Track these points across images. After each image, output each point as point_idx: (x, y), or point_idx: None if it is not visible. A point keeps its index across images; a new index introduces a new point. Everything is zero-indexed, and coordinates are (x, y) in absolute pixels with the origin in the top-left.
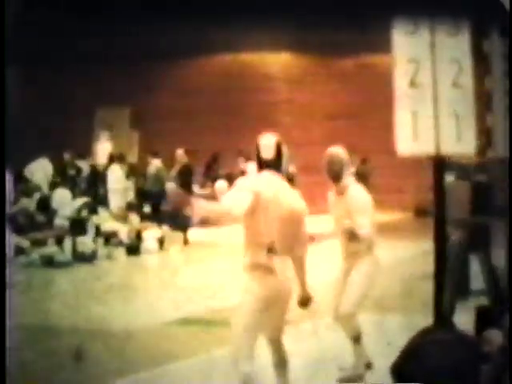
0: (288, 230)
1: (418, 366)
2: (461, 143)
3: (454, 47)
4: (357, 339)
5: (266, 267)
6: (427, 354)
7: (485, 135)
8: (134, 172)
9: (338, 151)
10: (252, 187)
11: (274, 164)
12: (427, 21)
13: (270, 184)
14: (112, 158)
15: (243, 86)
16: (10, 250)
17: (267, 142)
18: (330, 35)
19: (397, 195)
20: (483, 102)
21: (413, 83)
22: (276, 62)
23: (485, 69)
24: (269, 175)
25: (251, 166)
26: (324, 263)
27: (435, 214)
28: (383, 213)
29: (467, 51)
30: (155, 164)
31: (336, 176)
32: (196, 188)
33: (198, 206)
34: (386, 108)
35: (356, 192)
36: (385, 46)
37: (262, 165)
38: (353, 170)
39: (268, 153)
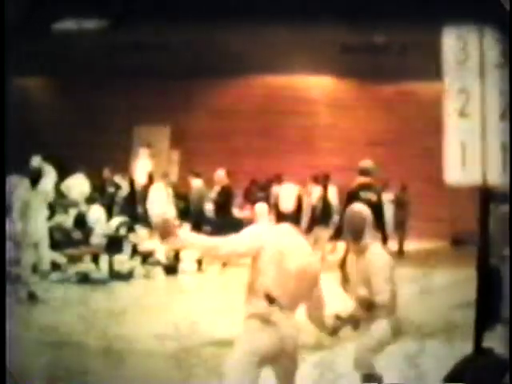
0: (299, 288)
1: None
2: (507, 174)
3: (503, 79)
4: (368, 378)
5: (266, 319)
6: (471, 380)
7: None
8: (175, 192)
9: (361, 209)
10: (261, 234)
11: (293, 217)
12: (477, 50)
13: (283, 236)
14: (151, 177)
15: (283, 109)
16: (45, 265)
17: (288, 194)
18: (371, 60)
19: (434, 223)
20: None
21: (462, 113)
22: (317, 86)
23: None
24: (285, 228)
25: (260, 207)
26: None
27: (479, 243)
28: (420, 241)
29: None
30: (197, 184)
31: (357, 235)
32: (235, 210)
33: (184, 238)
34: (425, 136)
35: (376, 252)
36: (425, 73)
37: (280, 216)
38: (392, 197)
39: (288, 205)
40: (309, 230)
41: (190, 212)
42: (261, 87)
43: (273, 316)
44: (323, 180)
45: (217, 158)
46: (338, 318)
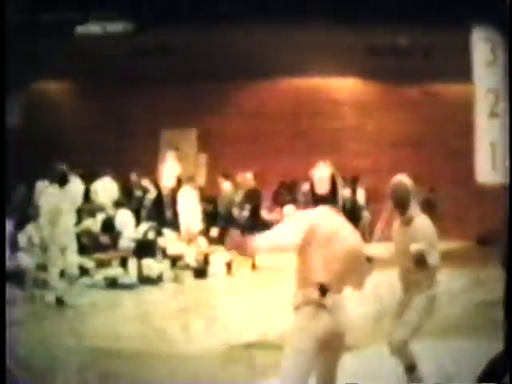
0: (345, 268)
1: None
2: None
3: None
4: (411, 369)
5: (319, 304)
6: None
7: None
8: (203, 195)
9: (403, 180)
10: (308, 220)
11: (330, 198)
12: (504, 50)
13: (327, 220)
14: (179, 180)
15: (310, 111)
16: (72, 270)
17: (321, 175)
18: (397, 61)
19: (460, 224)
20: None
21: (492, 113)
22: (344, 88)
23: None
24: (325, 210)
25: (289, 209)
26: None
27: (508, 242)
28: (446, 241)
29: None
30: (226, 187)
31: (402, 205)
32: (264, 213)
33: (255, 248)
34: (452, 137)
35: (422, 223)
36: (450, 75)
37: (317, 200)
38: (420, 199)
39: (323, 187)
40: None
41: (218, 215)
42: (288, 89)
43: (326, 301)
44: (352, 182)
45: (245, 160)
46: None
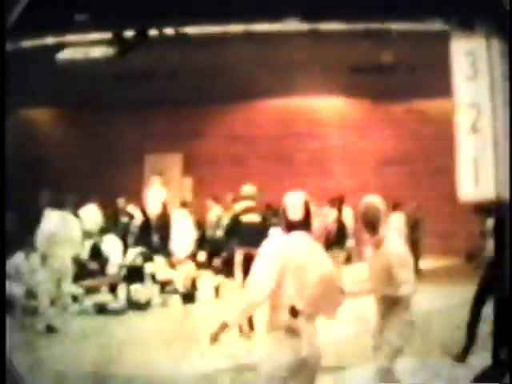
0: (318, 294)
1: None
2: None
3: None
4: None
5: (290, 329)
6: None
7: None
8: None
9: (374, 200)
10: (279, 258)
11: (303, 224)
12: (486, 64)
13: (299, 248)
14: (165, 205)
15: (295, 132)
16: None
17: (295, 201)
18: (381, 80)
19: (447, 241)
20: None
21: (473, 129)
22: (328, 107)
23: None
24: (298, 237)
25: (275, 232)
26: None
27: (494, 258)
28: (433, 258)
29: None
30: (215, 210)
31: (372, 227)
32: None
33: (232, 323)
34: (438, 153)
35: (394, 244)
36: (435, 91)
37: (290, 226)
38: (404, 216)
39: (296, 213)
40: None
41: (206, 239)
42: (271, 111)
43: (297, 326)
44: (338, 202)
45: (230, 183)
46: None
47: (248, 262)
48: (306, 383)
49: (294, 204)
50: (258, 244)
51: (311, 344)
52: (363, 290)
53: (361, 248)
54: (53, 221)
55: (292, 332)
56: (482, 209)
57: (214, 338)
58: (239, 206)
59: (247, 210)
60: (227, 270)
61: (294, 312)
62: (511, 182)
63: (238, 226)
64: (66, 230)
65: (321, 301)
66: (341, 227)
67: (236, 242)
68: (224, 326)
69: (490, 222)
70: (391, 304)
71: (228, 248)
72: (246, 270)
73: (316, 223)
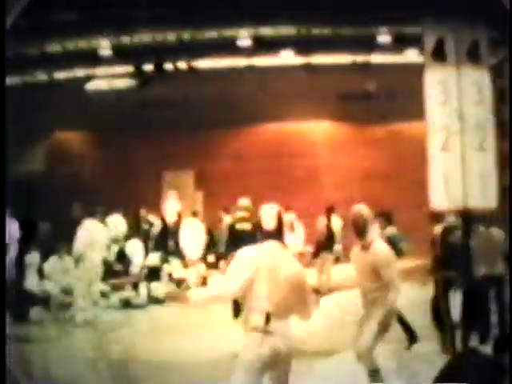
0: (289, 297)
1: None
2: (484, 199)
3: (479, 115)
4: (374, 373)
5: (263, 330)
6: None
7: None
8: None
9: (361, 209)
10: (250, 262)
11: (276, 234)
12: (456, 90)
13: (271, 254)
14: (180, 215)
15: (290, 151)
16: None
17: (268, 213)
18: (364, 105)
19: (424, 244)
20: (503, 163)
21: (444, 148)
22: (318, 130)
23: (503, 132)
24: (270, 245)
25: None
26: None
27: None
28: (411, 259)
29: (491, 118)
30: (226, 220)
31: (360, 232)
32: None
33: (194, 301)
34: (415, 169)
35: (380, 247)
36: (412, 114)
37: (264, 235)
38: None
39: (270, 223)
40: (316, 254)
41: (215, 244)
42: (270, 134)
43: (270, 327)
44: (327, 211)
45: (235, 196)
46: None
47: None
48: (281, 372)
49: (267, 215)
50: None
51: (284, 339)
52: (349, 284)
53: (348, 251)
54: (88, 228)
55: (265, 332)
56: (434, 217)
57: (169, 297)
58: (235, 216)
59: (241, 220)
60: None
61: (268, 317)
62: (511, 193)
63: (233, 233)
64: (96, 236)
65: (293, 303)
66: (330, 233)
67: (233, 247)
68: (182, 298)
69: (439, 228)
70: (374, 297)
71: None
72: None
73: (295, 232)
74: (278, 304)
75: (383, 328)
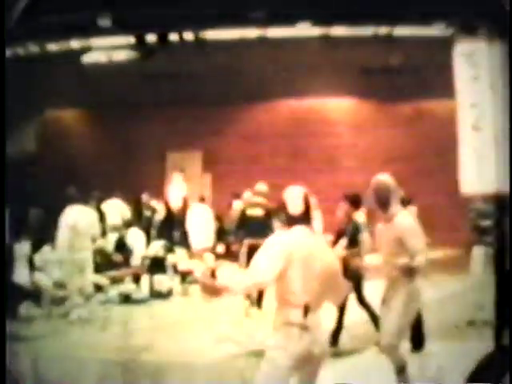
0: (324, 286)
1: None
2: None
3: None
4: (401, 370)
5: (301, 325)
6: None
7: None
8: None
9: (384, 178)
10: (283, 248)
11: (304, 218)
12: (487, 65)
13: (303, 241)
14: (186, 200)
15: (307, 131)
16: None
17: (294, 196)
18: (389, 81)
19: (453, 233)
20: None
21: (475, 127)
22: (339, 108)
23: None
24: (300, 231)
25: None
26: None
27: (496, 247)
28: (439, 250)
29: None
30: (236, 206)
31: (384, 204)
32: None
33: (227, 289)
34: (443, 151)
35: (404, 218)
36: (440, 91)
37: (291, 221)
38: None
39: (296, 207)
40: (336, 243)
41: (224, 232)
42: (286, 111)
43: (307, 323)
44: (349, 199)
45: (247, 180)
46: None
47: (252, 252)
48: (311, 373)
49: (293, 198)
50: (261, 235)
51: (318, 336)
52: (374, 264)
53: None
54: (72, 215)
55: (302, 328)
56: (351, 199)
57: (204, 286)
58: (247, 201)
59: (253, 205)
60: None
61: (306, 311)
62: (511, 179)
63: (244, 219)
64: (85, 223)
65: (326, 293)
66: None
67: (243, 234)
68: (211, 286)
69: (361, 215)
70: (400, 276)
71: (238, 239)
72: (249, 260)
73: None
74: (314, 295)
75: (405, 315)
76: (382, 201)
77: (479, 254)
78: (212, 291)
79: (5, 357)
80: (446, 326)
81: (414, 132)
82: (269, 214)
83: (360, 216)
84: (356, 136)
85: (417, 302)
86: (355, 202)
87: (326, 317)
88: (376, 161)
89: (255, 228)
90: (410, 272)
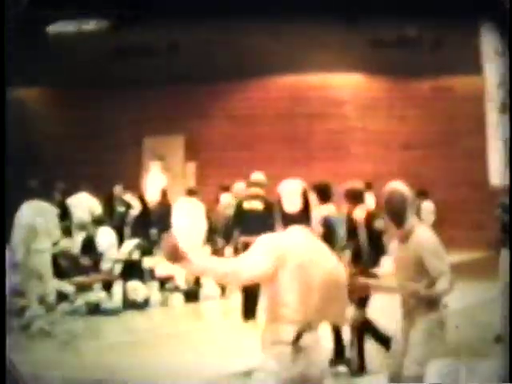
0: (324, 300)
1: None
2: None
3: None
4: None
5: (294, 346)
6: None
7: None
8: None
9: (399, 187)
10: (275, 246)
11: (302, 218)
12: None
13: (299, 245)
14: (165, 193)
15: (309, 112)
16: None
17: (291, 191)
18: (404, 54)
19: (478, 232)
20: None
21: (503, 108)
22: (346, 85)
23: None
24: (297, 232)
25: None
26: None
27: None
28: (465, 251)
29: None
30: (225, 200)
31: (398, 217)
32: None
33: (196, 264)
34: (467, 135)
35: (423, 234)
36: (462, 67)
37: (287, 220)
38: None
39: (293, 205)
40: None
41: (213, 231)
42: (283, 89)
43: (302, 342)
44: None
45: (237, 169)
46: None
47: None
48: None
49: (290, 194)
50: (260, 232)
51: (315, 357)
52: (387, 286)
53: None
54: (27, 213)
55: (296, 348)
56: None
57: (170, 258)
58: (244, 193)
59: (251, 197)
60: None
61: (301, 331)
62: (511, 171)
63: (241, 213)
64: (42, 222)
65: (327, 306)
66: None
67: (239, 231)
68: (182, 257)
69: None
70: (419, 303)
71: (233, 238)
72: None
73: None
74: (312, 310)
75: (432, 343)
76: (397, 214)
77: (509, 257)
78: (175, 257)
79: (5, 357)
80: (469, 342)
81: (432, 114)
82: (270, 208)
83: (329, 208)
84: (365, 118)
85: (442, 332)
86: (322, 192)
87: (325, 333)
88: (388, 147)
89: (253, 224)
90: (431, 302)
